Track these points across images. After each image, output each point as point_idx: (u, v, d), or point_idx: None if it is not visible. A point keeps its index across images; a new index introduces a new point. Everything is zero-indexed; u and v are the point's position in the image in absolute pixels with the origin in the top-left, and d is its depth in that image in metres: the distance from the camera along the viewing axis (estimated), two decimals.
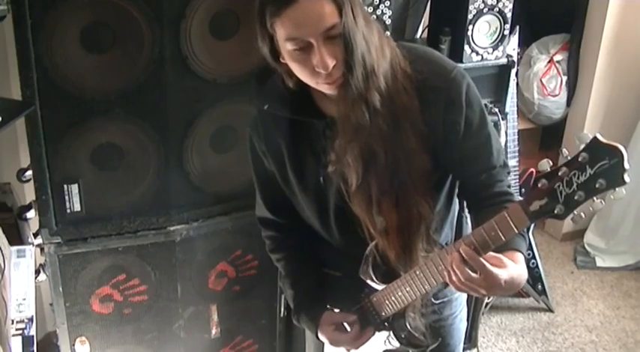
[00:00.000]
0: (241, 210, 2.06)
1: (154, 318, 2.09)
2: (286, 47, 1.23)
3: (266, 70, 1.38)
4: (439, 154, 1.34)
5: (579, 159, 1.08)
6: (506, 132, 2.53)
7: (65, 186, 1.86)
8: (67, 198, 1.87)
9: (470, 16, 2.25)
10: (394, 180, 1.32)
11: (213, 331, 2.20)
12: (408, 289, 1.38)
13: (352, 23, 1.21)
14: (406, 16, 2.50)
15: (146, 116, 1.87)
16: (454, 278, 1.23)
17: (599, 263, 3.43)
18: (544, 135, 3.63)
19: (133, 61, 1.79)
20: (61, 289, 1.95)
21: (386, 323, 1.49)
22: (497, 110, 2.44)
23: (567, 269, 3.42)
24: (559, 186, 1.12)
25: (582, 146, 1.09)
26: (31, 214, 1.95)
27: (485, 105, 2.42)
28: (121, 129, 1.86)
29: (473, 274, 1.20)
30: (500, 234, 1.20)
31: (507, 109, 2.49)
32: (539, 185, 1.14)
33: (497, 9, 2.28)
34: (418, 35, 2.60)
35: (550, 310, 3.09)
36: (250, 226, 1.88)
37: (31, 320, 1.87)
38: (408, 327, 1.46)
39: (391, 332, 1.50)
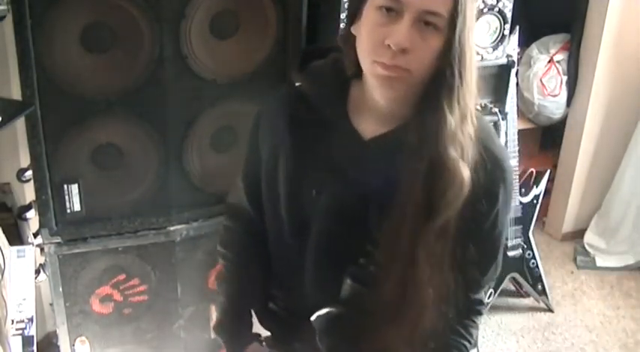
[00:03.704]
0: None
1: (154, 318, 2.09)
2: (375, 1, 1.07)
3: (313, 51, 1.28)
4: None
5: None
6: (506, 132, 2.52)
7: (65, 186, 1.85)
8: (67, 198, 1.87)
9: None
10: (418, 234, 1.13)
11: None
12: None
13: (461, 29, 1.05)
14: None
15: (146, 116, 1.86)
16: None
17: (599, 263, 3.42)
18: (544, 135, 3.63)
19: (133, 61, 1.79)
20: (61, 289, 1.94)
21: None
22: (497, 110, 2.43)
23: (567, 269, 3.41)
24: None
25: None
26: (31, 214, 1.95)
27: (485, 105, 2.43)
28: (121, 129, 1.86)
29: None
30: None
31: (507, 109, 2.49)
32: None
33: (497, 9, 2.28)
34: None
35: (550, 310, 3.09)
36: None
37: (31, 320, 1.87)
38: None
39: None
